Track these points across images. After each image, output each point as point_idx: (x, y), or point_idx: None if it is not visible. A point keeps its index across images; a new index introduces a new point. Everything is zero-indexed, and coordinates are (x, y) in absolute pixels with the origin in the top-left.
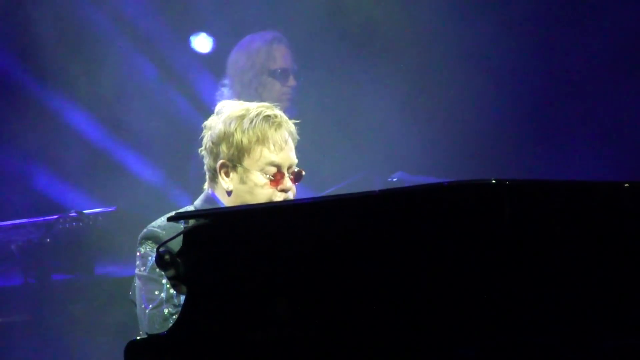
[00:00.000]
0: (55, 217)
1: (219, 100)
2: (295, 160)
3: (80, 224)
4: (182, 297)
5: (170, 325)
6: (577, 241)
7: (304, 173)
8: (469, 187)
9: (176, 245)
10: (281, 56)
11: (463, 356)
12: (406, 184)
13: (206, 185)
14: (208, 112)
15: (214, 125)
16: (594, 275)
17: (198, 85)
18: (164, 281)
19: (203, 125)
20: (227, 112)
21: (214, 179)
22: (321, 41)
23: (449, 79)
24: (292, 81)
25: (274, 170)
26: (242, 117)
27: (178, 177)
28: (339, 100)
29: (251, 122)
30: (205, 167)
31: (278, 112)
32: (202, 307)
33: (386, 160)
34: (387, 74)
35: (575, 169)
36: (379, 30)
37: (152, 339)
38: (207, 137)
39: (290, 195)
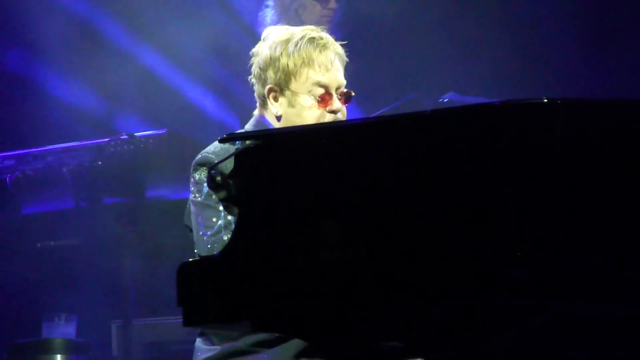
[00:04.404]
0: (107, 140)
1: (262, 21)
2: (344, 82)
3: (132, 146)
4: None
5: None
6: (631, 163)
7: (353, 94)
8: (521, 106)
9: (228, 168)
10: None
11: (516, 275)
12: (457, 105)
13: (256, 112)
14: (253, 33)
15: (260, 51)
16: None
17: (245, 6)
18: (220, 208)
19: (250, 52)
20: (273, 38)
21: (263, 105)
22: None
23: None
24: (333, 3)
25: (321, 91)
26: (287, 41)
27: (227, 99)
28: (390, 22)
29: (296, 45)
30: (255, 94)
31: (324, 34)
32: (254, 228)
33: (437, 81)
34: None
35: (631, 88)
36: None
37: (204, 261)
38: (255, 64)
39: (340, 116)
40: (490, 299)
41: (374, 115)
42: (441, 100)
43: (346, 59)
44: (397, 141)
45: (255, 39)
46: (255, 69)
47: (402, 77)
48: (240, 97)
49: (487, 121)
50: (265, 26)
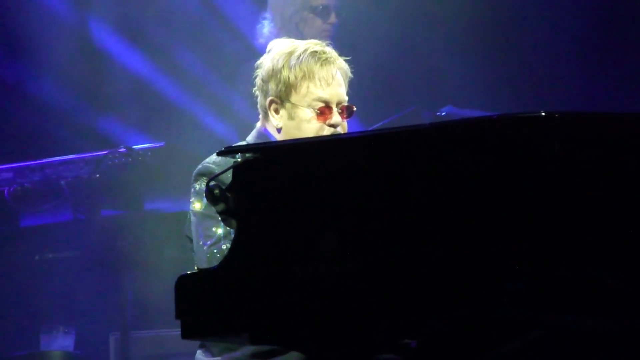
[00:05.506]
0: (104, 152)
1: (260, 33)
2: (345, 97)
3: (129, 159)
4: None
5: None
6: (629, 175)
7: (355, 108)
8: (519, 119)
9: (228, 179)
10: None
11: (511, 289)
12: (455, 118)
13: (259, 124)
14: (251, 45)
15: (264, 63)
16: None
17: (242, 19)
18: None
19: (255, 65)
20: (277, 50)
21: (265, 116)
22: None
23: (497, 10)
24: (333, 18)
25: (321, 105)
26: (289, 54)
27: (224, 112)
28: (388, 35)
29: (298, 58)
30: (258, 106)
31: (327, 49)
32: (252, 241)
33: (435, 94)
34: (437, 8)
35: (628, 101)
36: None
37: (202, 273)
38: (258, 76)
39: (340, 130)
40: (487, 311)
41: (372, 128)
42: (439, 113)
43: (350, 75)
44: (396, 154)
45: (253, 51)
46: (258, 81)
47: (400, 90)
48: (238, 110)
49: (485, 134)
50: (263, 38)
